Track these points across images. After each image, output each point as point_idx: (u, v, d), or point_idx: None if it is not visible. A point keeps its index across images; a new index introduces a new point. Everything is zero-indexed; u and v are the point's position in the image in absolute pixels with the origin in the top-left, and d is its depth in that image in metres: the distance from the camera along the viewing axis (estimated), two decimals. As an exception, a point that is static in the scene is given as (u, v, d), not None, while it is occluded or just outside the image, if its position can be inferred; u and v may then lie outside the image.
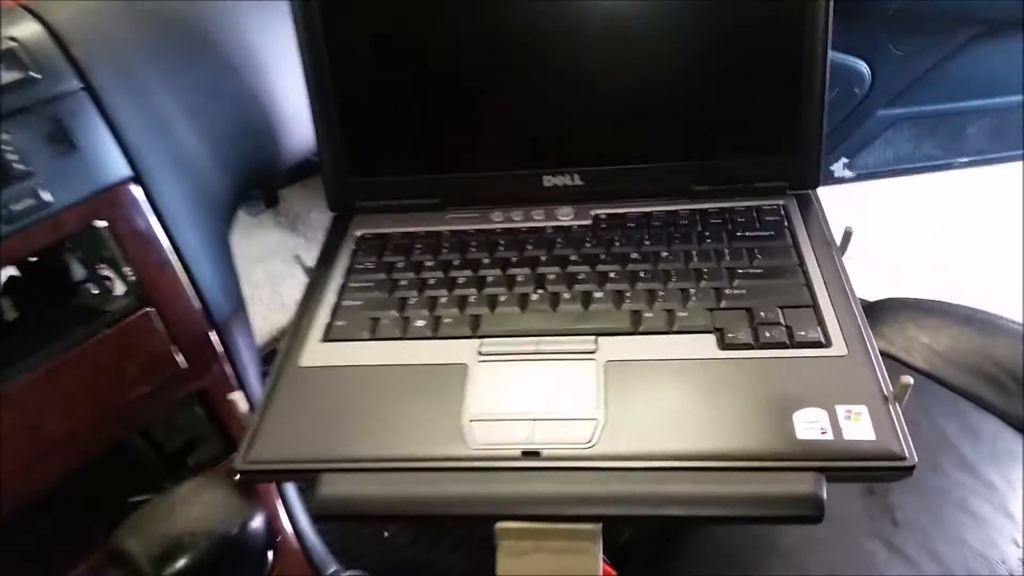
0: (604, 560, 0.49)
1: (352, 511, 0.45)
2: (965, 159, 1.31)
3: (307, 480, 0.47)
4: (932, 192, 1.32)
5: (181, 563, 0.44)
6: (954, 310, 0.79)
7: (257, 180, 0.65)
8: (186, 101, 0.57)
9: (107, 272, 0.60)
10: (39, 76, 0.50)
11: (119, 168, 0.53)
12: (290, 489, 0.71)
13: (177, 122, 0.57)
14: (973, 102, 1.26)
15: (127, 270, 0.56)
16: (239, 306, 0.63)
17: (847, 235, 0.57)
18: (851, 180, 1.31)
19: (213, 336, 0.59)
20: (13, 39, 0.50)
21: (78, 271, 0.61)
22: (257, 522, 0.47)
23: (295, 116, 0.64)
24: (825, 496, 0.42)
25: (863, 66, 1.20)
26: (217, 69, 0.60)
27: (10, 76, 0.49)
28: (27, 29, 0.51)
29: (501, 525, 0.45)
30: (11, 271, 0.61)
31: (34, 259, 0.58)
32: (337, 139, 0.62)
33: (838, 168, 1.23)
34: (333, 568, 0.65)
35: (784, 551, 0.63)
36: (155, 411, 0.57)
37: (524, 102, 0.62)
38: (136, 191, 0.54)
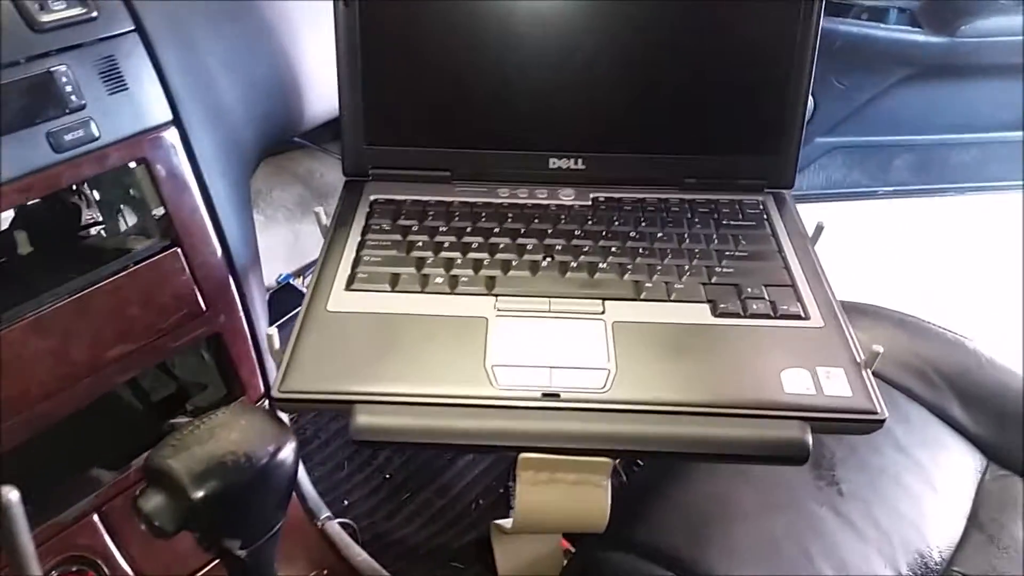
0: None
1: (388, 439, 0.49)
2: (889, 188, 1.44)
3: (339, 411, 0.50)
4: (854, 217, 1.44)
5: (221, 482, 0.46)
6: (887, 313, 0.89)
7: (279, 137, 0.67)
8: (225, 55, 0.60)
9: (126, 214, 0.62)
10: (96, 15, 0.52)
11: (162, 111, 0.56)
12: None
13: (216, 73, 0.59)
14: (900, 137, 1.39)
15: (156, 211, 0.58)
16: (255, 256, 0.65)
17: (819, 229, 0.65)
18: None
19: (231, 282, 0.62)
20: (74, -23, 0.52)
21: (91, 213, 0.63)
22: (290, 448, 0.49)
23: (320, 80, 0.67)
24: (810, 443, 0.49)
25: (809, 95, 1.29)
26: (255, 28, 0.63)
27: (71, 12, 0.51)
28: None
29: (524, 456, 0.49)
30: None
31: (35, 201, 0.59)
32: (358, 107, 0.65)
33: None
34: (326, 514, 0.67)
35: (745, 513, 0.69)
36: (174, 348, 0.59)
37: (536, 87, 0.66)
38: (174, 135, 0.57)
